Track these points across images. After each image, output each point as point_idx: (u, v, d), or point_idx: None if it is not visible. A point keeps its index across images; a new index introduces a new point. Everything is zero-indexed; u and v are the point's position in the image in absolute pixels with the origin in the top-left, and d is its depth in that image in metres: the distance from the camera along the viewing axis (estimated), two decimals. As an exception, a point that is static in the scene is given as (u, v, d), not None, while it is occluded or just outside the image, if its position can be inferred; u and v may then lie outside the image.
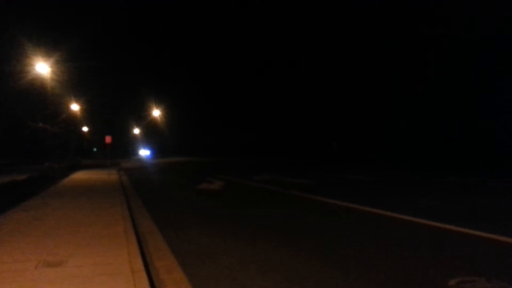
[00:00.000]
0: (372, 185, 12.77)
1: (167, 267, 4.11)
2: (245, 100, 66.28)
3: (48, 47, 20.66)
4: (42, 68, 20.27)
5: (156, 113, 46.29)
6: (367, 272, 3.83)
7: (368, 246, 4.83)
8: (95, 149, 53.26)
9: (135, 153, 64.39)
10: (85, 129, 47.24)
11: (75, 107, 32.99)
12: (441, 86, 27.53)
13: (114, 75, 78.47)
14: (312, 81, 45.28)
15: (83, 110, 35.74)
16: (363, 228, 5.99)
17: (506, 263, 4.01)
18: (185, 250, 4.77)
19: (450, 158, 23.06)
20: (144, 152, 62.00)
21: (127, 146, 65.67)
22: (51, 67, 20.93)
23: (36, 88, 22.26)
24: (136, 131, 60.74)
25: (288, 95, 49.90)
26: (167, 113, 49.76)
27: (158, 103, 45.87)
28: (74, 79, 26.23)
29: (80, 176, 18.23)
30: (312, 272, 3.88)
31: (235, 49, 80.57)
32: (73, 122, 33.20)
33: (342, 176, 16.45)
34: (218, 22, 77.75)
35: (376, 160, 28.26)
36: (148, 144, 63.72)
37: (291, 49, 61.32)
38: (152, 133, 61.28)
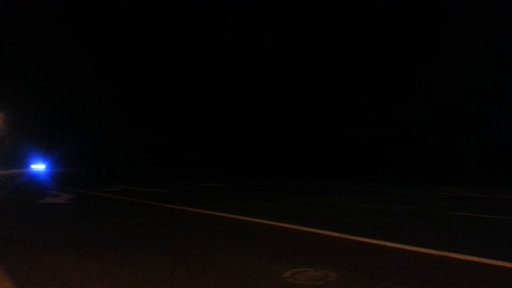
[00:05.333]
0: (224, 191, 13.44)
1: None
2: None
3: None
4: None
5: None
6: (209, 270, 4.07)
7: (214, 247, 5.12)
8: None
9: None
10: None
11: None
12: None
13: None
14: (169, 89, 44.60)
15: None
16: (210, 230, 6.45)
17: (328, 252, 4.77)
18: (25, 271, 4.28)
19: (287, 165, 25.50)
20: (38, 165, 51.30)
21: None
22: None
23: None
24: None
25: (149, 104, 47.76)
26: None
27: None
28: None
29: None
30: (164, 279, 3.93)
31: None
32: None
33: (200, 184, 16.83)
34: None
35: (233, 168, 29.62)
36: (42, 154, 53.21)
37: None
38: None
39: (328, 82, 26.68)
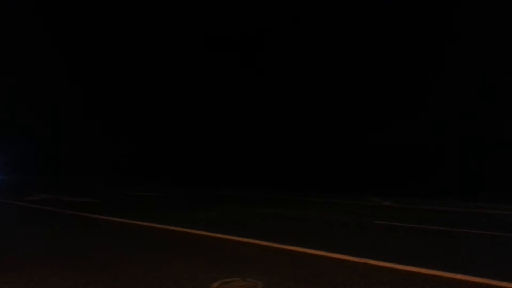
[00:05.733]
0: (157, 200, 13.12)
1: None
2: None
3: None
4: None
5: None
6: (134, 281, 3.96)
7: (139, 258, 4.99)
8: None
9: None
10: None
11: None
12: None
13: None
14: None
15: None
16: (135, 241, 6.34)
17: (256, 261, 4.87)
18: None
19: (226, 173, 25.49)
20: None
21: None
22: None
23: None
24: None
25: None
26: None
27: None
28: None
29: None
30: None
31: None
32: None
33: (134, 193, 16.24)
34: None
35: (169, 176, 28.82)
36: None
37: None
38: None
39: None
